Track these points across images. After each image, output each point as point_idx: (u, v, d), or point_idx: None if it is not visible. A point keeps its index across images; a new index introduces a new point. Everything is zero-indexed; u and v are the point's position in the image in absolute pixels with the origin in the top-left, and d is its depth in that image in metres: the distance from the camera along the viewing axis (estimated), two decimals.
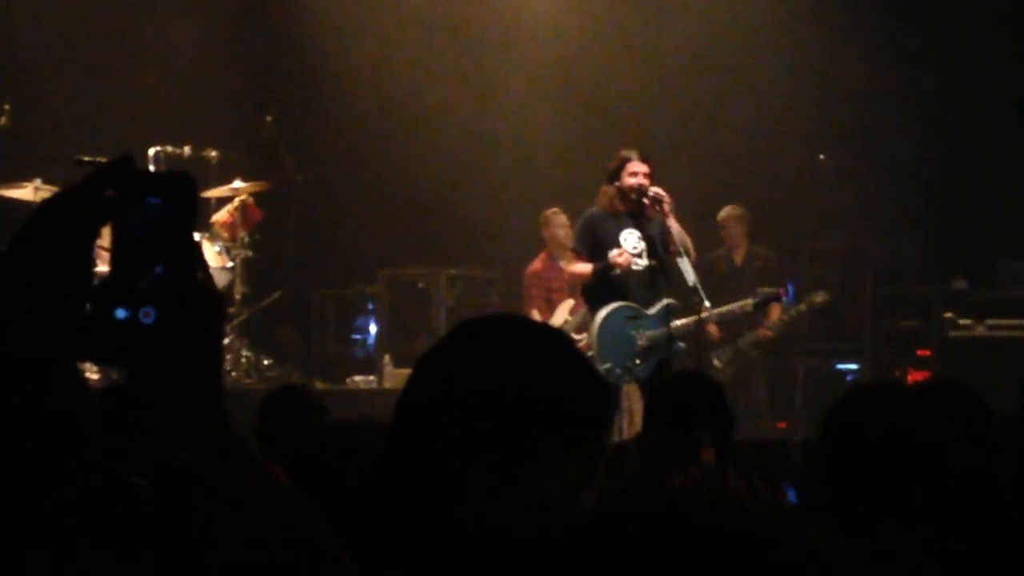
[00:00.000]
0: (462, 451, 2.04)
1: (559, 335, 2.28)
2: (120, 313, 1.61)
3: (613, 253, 9.89)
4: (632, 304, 9.93)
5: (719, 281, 11.78)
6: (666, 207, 9.91)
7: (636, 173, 9.95)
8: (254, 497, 1.69)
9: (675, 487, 1.35)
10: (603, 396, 2.14)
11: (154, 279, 1.63)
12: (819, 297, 11.73)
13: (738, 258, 12.48)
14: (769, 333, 11.93)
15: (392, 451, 2.17)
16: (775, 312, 11.90)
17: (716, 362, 11.87)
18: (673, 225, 9.93)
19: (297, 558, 1.69)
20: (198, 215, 1.70)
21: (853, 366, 12.68)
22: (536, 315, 11.54)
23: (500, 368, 2.12)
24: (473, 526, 1.47)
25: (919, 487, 2.96)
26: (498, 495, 1.43)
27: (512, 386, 2.09)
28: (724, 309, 10.39)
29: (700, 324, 10.07)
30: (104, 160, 1.66)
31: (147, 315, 1.61)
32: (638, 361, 9.83)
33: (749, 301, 10.53)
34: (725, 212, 12.45)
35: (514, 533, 1.39)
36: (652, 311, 9.97)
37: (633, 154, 10.03)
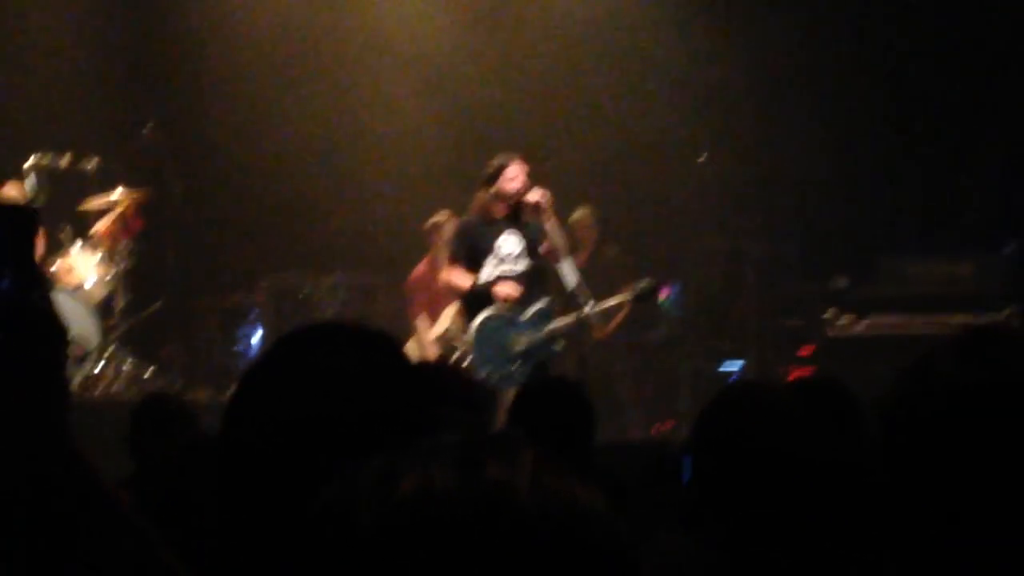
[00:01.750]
0: (286, 457, 2.03)
1: (382, 340, 2.28)
2: None
3: (504, 290, 9.88)
4: (506, 310, 9.94)
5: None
6: (544, 208, 9.92)
7: (515, 177, 9.96)
8: (93, 518, 1.66)
9: (487, 480, 1.35)
10: (421, 399, 2.16)
11: None
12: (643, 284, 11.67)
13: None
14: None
15: (223, 463, 2.16)
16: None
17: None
18: (551, 227, 9.95)
19: None
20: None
21: (736, 366, 12.75)
22: (422, 321, 11.52)
23: (320, 378, 2.12)
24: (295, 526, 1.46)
25: (788, 494, 2.96)
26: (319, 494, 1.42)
27: (332, 394, 2.09)
28: (603, 306, 10.36)
29: (581, 323, 10.10)
30: None
31: None
32: (516, 366, 9.85)
33: (626, 295, 10.54)
34: (579, 214, 12.40)
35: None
36: (528, 314, 9.99)
37: (512, 158, 10.04)
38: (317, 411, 2.07)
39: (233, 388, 2.18)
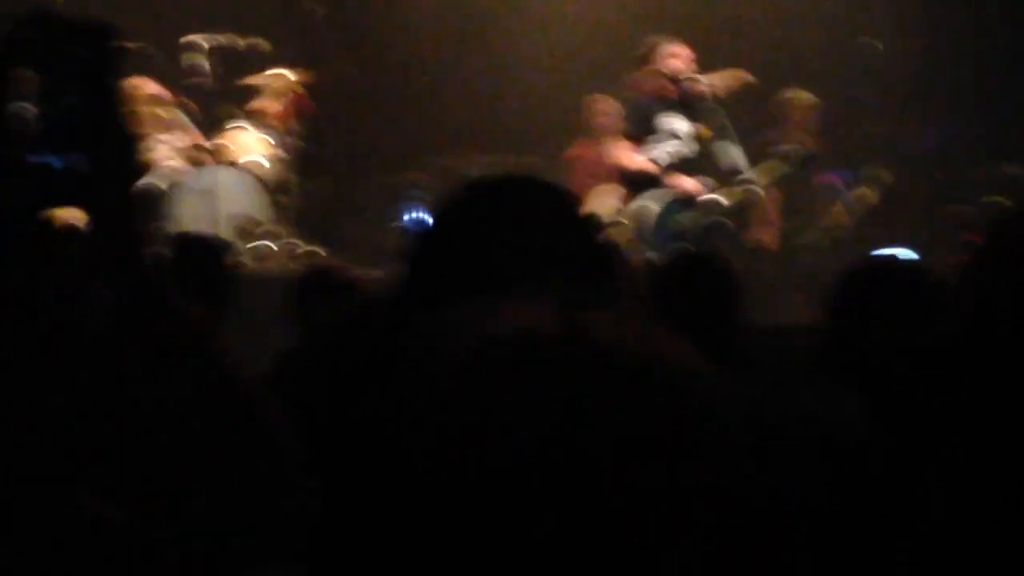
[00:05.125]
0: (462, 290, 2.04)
1: (571, 198, 2.28)
2: (55, 162, 1.59)
3: (686, 183, 9.84)
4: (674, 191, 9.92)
5: None
6: (711, 95, 9.88)
7: (679, 56, 9.90)
8: (173, 338, 1.66)
9: (582, 326, 1.36)
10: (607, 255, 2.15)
11: (74, 120, 1.60)
12: (882, 175, 11.61)
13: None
14: (846, 221, 11.73)
15: (398, 296, 2.18)
16: (838, 204, 11.75)
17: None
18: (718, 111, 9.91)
19: (211, 400, 1.67)
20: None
21: (904, 252, 12.54)
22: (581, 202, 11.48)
23: (506, 223, 2.12)
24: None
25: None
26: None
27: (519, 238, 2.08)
28: (762, 176, 10.23)
29: (747, 200, 10.05)
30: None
31: (80, 161, 1.59)
32: (691, 246, 9.82)
33: (783, 163, 10.41)
34: (798, 95, 12.11)
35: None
36: (698, 198, 9.95)
37: (670, 39, 9.98)
38: (493, 268, 2.07)
39: (410, 245, 2.17)
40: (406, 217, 13.00)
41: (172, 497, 1.68)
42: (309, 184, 12.45)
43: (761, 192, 10.29)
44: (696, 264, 4.74)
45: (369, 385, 2.12)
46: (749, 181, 10.05)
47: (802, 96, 11.81)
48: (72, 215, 1.61)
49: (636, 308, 1.39)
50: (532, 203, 2.20)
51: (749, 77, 10.31)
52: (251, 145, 11.80)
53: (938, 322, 3.01)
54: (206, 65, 11.81)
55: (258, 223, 11.45)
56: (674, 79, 9.89)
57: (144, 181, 1.67)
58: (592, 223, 2.25)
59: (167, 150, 11.46)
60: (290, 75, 12.11)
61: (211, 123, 11.76)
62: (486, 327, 1.34)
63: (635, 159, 9.94)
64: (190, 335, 1.69)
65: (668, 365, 1.34)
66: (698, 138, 10.02)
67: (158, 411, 1.67)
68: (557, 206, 2.20)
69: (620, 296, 1.40)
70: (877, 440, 2.60)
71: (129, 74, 9.62)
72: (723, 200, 10.01)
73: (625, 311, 1.37)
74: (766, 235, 11.22)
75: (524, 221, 2.15)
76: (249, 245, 11.34)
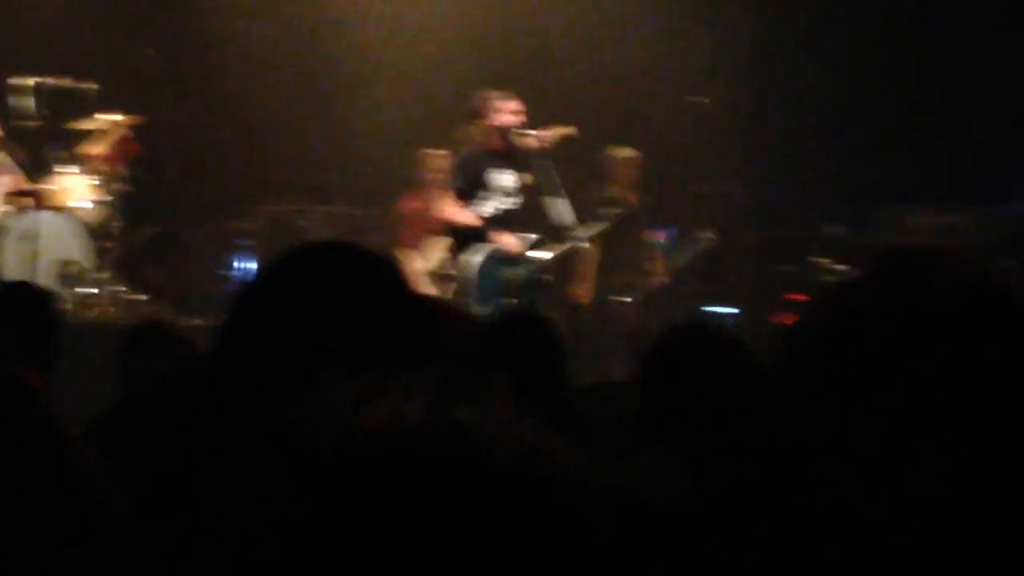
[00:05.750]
0: (281, 371, 2.02)
1: (386, 262, 2.26)
2: None
3: (509, 242, 9.91)
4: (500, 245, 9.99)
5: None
6: (545, 146, 9.98)
7: (510, 110, 9.98)
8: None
9: (461, 423, 1.34)
10: (419, 328, 2.13)
11: None
12: (706, 238, 11.84)
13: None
14: (666, 280, 11.90)
15: (217, 363, 2.15)
16: (659, 261, 11.92)
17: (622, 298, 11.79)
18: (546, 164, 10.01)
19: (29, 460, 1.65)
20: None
21: (726, 310, 12.74)
22: (409, 254, 11.47)
23: (322, 290, 2.10)
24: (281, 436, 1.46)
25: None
26: (301, 403, 1.42)
27: (327, 315, 2.07)
28: (589, 232, 10.40)
29: (571, 253, 10.20)
30: None
31: None
32: (514, 300, 9.87)
33: (608, 221, 10.60)
34: (624, 152, 12.18)
35: (314, 444, 1.37)
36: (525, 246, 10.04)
37: (498, 93, 10.07)
38: (311, 332, 2.05)
39: (230, 305, 2.15)
40: (235, 265, 12.91)
41: None
42: (135, 230, 12.30)
43: (587, 247, 10.45)
44: (520, 322, 4.73)
45: (197, 450, 2.11)
46: (576, 236, 10.17)
47: (626, 152, 11.96)
48: None
49: (502, 398, 1.38)
50: (353, 270, 2.17)
51: (575, 132, 10.42)
52: (77, 189, 11.64)
53: (748, 386, 3.07)
54: (33, 107, 11.63)
55: (82, 268, 11.29)
56: (504, 133, 9.96)
57: None
58: (409, 290, 2.22)
59: None
60: (119, 119, 11.97)
61: (37, 166, 11.57)
62: (361, 418, 1.33)
63: (460, 213, 9.98)
64: (10, 395, 1.68)
65: (542, 461, 1.34)
66: (525, 190, 10.10)
67: None
68: (377, 273, 2.18)
69: (485, 385, 1.38)
70: (693, 507, 2.64)
71: None
72: (545, 255, 10.11)
73: (494, 403, 1.35)
74: (582, 291, 11.33)
75: (343, 289, 2.13)
76: (73, 291, 11.18)
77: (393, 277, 2.19)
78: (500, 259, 9.97)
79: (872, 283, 1.67)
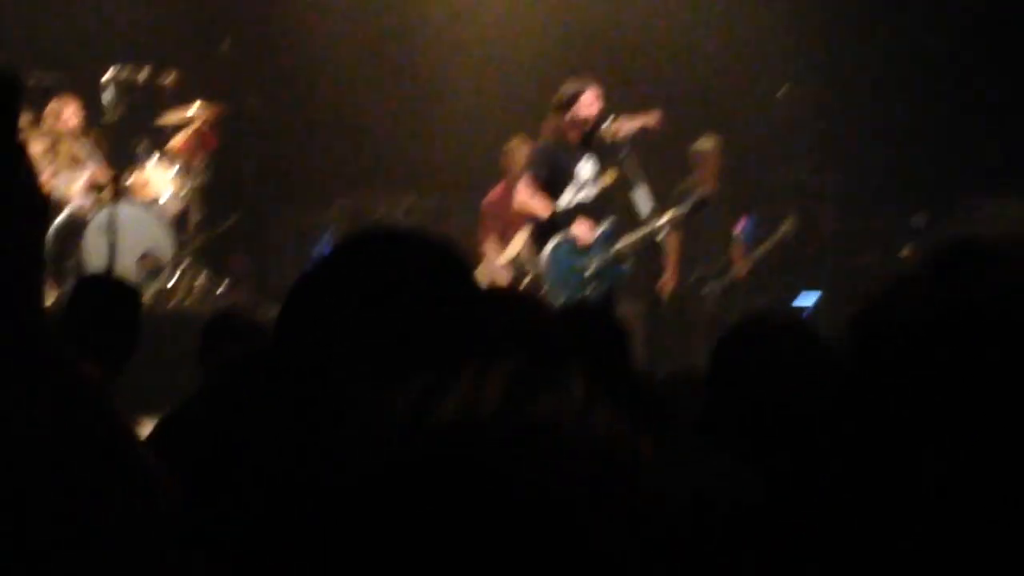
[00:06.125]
0: (339, 362, 1.99)
1: (455, 255, 2.21)
2: None
3: (583, 233, 9.87)
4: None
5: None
6: (626, 137, 9.95)
7: (592, 103, 9.94)
8: (55, 389, 1.62)
9: (538, 417, 1.30)
10: (484, 320, 2.09)
11: None
12: (786, 226, 11.78)
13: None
14: (746, 269, 11.89)
15: (274, 361, 2.12)
16: (739, 250, 11.91)
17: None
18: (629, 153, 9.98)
19: (85, 452, 1.62)
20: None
21: (811, 299, 12.62)
22: (492, 246, 11.45)
23: (386, 282, 2.07)
24: (343, 439, 1.42)
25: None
26: (373, 408, 1.38)
27: (395, 298, 2.03)
28: (666, 219, 10.34)
29: (648, 241, 10.15)
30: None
31: None
32: (589, 290, 9.83)
33: (684, 207, 10.54)
34: (708, 143, 12.16)
35: (386, 448, 1.34)
36: (596, 237, 9.98)
37: (586, 84, 10.02)
38: (371, 321, 2.02)
39: (288, 293, 2.11)
40: (315, 256, 12.95)
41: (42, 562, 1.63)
42: (216, 221, 12.37)
43: (666, 236, 10.40)
44: (579, 314, 4.70)
45: (271, 446, 2.08)
46: (655, 225, 10.12)
47: (710, 141, 11.93)
48: None
49: (577, 389, 1.34)
50: (414, 258, 2.13)
51: (658, 120, 10.33)
52: (159, 181, 11.72)
53: (820, 383, 3.01)
54: (116, 99, 11.71)
55: (163, 260, 11.37)
56: (586, 122, 9.92)
57: (54, 219, 1.64)
58: (472, 280, 2.17)
59: (76, 186, 11.37)
60: (200, 111, 12.05)
61: (120, 158, 11.66)
62: (431, 412, 1.29)
63: (539, 205, 9.94)
64: (77, 395, 1.65)
65: (619, 454, 1.31)
66: (607, 182, 10.06)
67: (33, 473, 1.63)
68: (439, 261, 2.13)
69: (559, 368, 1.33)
70: (759, 507, 2.60)
71: (40, 110, 9.53)
72: (622, 245, 10.06)
73: (568, 394, 1.32)
74: (664, 281, 11.31)
75: (402, 276, 2.09)
76: (154, 283, 11.26)
77: (456, 266, 2.14)
78: (574, 249, 9.92)
79: (921, 279, 1.62)
